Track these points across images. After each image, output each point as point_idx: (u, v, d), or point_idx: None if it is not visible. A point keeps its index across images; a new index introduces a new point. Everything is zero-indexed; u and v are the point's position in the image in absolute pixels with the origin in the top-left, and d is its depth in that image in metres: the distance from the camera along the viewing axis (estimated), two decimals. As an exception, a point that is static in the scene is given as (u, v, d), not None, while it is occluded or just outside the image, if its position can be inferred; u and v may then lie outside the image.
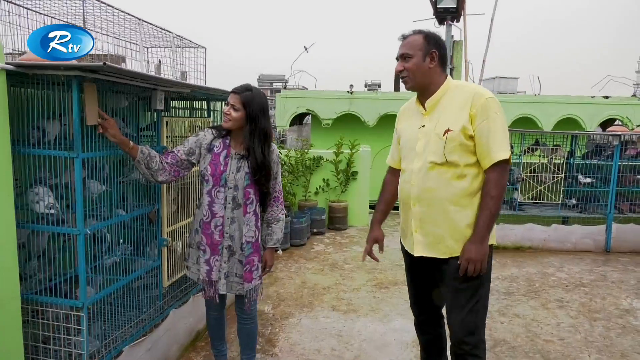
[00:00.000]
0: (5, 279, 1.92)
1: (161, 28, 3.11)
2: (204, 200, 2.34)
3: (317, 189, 6.64)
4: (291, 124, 10.22)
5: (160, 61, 3.93)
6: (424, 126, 2.03)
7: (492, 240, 2.02)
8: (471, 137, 1.92)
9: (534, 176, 5.89)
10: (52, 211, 2.12)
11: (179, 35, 3.29)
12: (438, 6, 4.75)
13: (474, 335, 2.02)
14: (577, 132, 6.72)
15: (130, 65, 3.71)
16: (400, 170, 2.21)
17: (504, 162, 1.91)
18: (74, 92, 1.97)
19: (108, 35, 3.11)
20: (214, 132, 2.38)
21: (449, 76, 2.09)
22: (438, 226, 2.00)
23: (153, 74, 3.72)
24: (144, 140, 2.75)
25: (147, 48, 3.77)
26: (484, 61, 5.26)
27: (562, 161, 5.91)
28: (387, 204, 2.37)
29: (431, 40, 2.00)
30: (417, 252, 2.06)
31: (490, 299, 4.16)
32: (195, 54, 3.81)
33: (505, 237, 5.72)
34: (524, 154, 5.95)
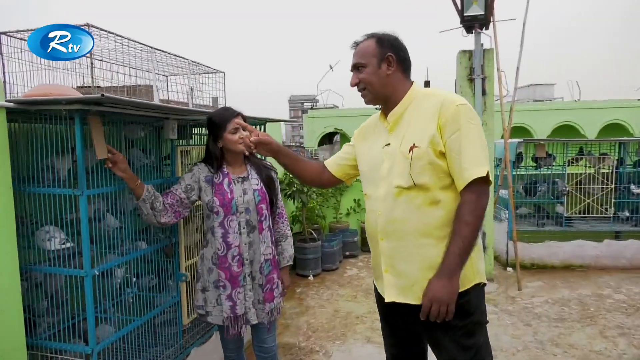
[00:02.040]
0: (9, 328, 1.81)
1: (175, 55, 3.03)
2: (217, 233, 2.20)
3: (348, 209, 6.43)
4: (320, 144, 10.10)
5: (192, 88, 3.88)
6: (388, 144, 1.70)
7: (480, 277, 1.67)
8: (442, 155, 1.59)
9: (580, 188, 5.48)
10: (68, 244, 2.02)
11: (194, 61, 3.21)
12: (465, 14, 4.52)
13: None
14: (626, 138, 6.25)
15: (159, 95, 3.66)
16: (328, 172, 2.01)
17: (482, 181, 1.54)
18: (76, 126, 1.87)
19: (135, 68, 3.06)
20: (207, 166, 2.28)
21: (415, 83, 1.75)
22: (411, 264, 1.64)
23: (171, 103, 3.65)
24: (165, 169, 2.68)
25: (167, 76, 3.72)
26: (517, 69, 4.96)
27: (611, 171, 5.48)
28: (296, 160, 2.01)
29: (385, 43, 1.69)
30: (389, 298, 1.69)
31: (541, 326, 3.84)
32: (214, 79, 3.74)
33: (552, 255, 5.32)
34: (568, 164, 5.56)
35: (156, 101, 2.85)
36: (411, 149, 1.61)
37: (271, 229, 2.35)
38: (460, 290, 1.57)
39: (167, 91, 3.72)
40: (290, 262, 2.46)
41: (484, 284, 1.71)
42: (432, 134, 1.59)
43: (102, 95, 1.68)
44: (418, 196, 1.61)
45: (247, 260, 2.22)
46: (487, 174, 1.54)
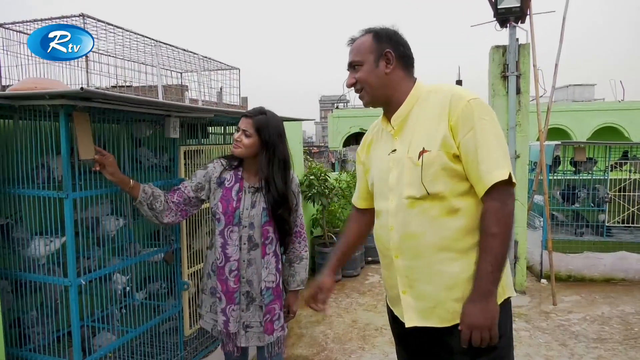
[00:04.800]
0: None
1: (184, 49, 2.88)
2: (217, 241, 2.04)
3: (372, 213, 6.18)
4: (347, 144, 9.87)
5: (222, 88, 3.75)
6: (394, 151, 1.53)
7: (508, 291, 1.48)
8: (457, 158, 1.42)
9: (623, 195, 5.06)
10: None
11: (205, 57, 3.05)
12: (499, 6, 4.21)
13: None
14: (675, 141, 5.77)
15: (189, 94, 3.54)
16: (368, 208, 1.77)
17: (504, 184, 1.36)
18: (61, 122, 1.73)
19: (143, 63, 2.95)
20: (224, 163, 2.09)
21: (419, 80, 1.58)
22: (432, 283, 1.46)
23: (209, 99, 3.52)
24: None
25: (182, 73, 3.59)
26: (556, 66, 4.61)
27: (659, 177, 5.04)
28: (347, 246, 1.86)
29: (383, 38, 1.52)
30: (410, 322, 1.51)
31: (578, 347, 3.50)
32: (229, 77, 3.58)
33: (591, 267, 4.92)
34: (611, 169, 5.15)
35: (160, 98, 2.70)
36: (421, 154, 1.43)
37: (277, 255, 2.10)
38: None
39: (177, 88, 3.60)
40: (302, 287, 2.20)
41: (505, 298, 1.49)
42: (444, 135, 1.41)
43: (82, 88, 1.53)
44: (433, 206, 1.44)
45: (243, 278, 2.04)
46: (510, 176, 1.36)
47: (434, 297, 1.46)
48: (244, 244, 2.01)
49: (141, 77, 2.85)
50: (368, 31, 1.56)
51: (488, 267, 1.35)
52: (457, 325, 1.43)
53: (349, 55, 1.57)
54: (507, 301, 1.49)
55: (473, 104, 1.40)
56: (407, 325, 1.51)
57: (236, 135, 2.00)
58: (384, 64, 1.51)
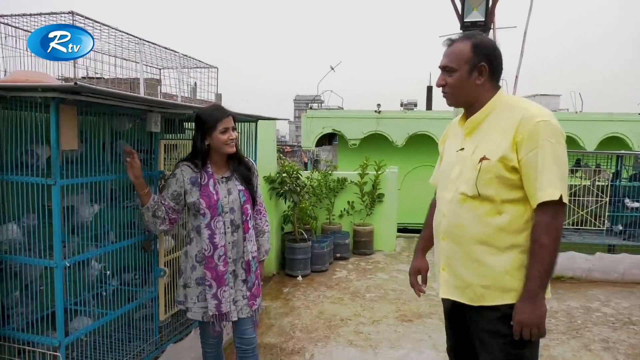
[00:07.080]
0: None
1: (165, 47, 3.00)
2: (203, 234, 2.20)
3: (341, 211, 6.39)
4: (319, 144, 10.07)
5: (196, 83, 3.85)
6: (462, 149, 1.74)
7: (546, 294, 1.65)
8: (514, 169, 1.59)
9: (575, 200, 5.44)
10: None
11: (185, 55, 3.18)
12: (465, 20, 4.49)
13: None
14: (623, 152, 6.21)
15: (164, 88, 3.64)
16: None
17: (556, 203, 1.53)
18: (51, 114, 1.84)
19: (126, 59, 3.04)
20: (190, 165, 2.24)
21: (501, 90, 1.72)
22: (467, 268, 1.69)
23: (182, 94, 3.62)
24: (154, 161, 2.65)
25: (161, 69, 3.69)
26: (516, 77, 4.93)
27: (606, 184, 5.43)
28: (432, 228, 2.01)
29: (480, 50, 1.64)
30: (443, 294, 1.78)
31: (525, 337, 3.79)
32: (207, 75, 3.71)
33: (543, 266, 5.27)
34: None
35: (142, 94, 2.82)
36: (481, 160, 1.62)
37: (254, 228, 2.40)
38: (515, 302, 1.59)
39: (157, 84, 3.70)
40: (266, 256, 2.54)
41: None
42: (505, 149, 1.58)
43: (75, 83, 1.66)
44: (482, 206, 1.64)
45: (230, 259, 2.25)
46: (561, 197, 1.52)
47: (467, 280, 1.69)
48: (228, 228, 2.23)
49: (122, 71, 2.95)
50: (467, 38, 1.67)
51: (536, 272, 1.54)
52: (482, 307, 1.65)
53: (443, 57, 1.69)
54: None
55: (541, 125, 1.55)
56: (440, 296, 1.79)
57: (232, 135, 2.19)
58: (477, 75, 1.65)
